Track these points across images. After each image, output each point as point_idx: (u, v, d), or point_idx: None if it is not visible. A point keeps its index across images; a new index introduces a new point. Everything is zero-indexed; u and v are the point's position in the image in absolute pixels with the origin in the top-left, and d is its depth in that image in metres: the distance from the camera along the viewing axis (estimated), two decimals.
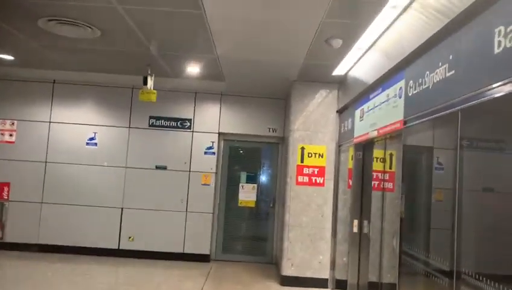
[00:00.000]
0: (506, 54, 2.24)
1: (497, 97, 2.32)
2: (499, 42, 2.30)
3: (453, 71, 2.82)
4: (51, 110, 7.57)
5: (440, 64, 3.01)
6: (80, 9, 4.23)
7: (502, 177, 2.50)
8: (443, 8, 2.92)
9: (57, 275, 6.23)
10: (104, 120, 7.60)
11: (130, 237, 7.42)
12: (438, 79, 3.03)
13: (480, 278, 2.42)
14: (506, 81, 2.22)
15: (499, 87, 2.28)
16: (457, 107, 2.71)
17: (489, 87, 2.37)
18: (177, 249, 7.44)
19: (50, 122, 7.55)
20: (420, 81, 3.35)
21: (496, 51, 2.33)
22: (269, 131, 7.76)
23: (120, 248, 7.40)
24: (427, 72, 3.22)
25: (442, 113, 2.92)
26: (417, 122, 3.39)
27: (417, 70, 3.45)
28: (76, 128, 7.55)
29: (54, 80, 7.54)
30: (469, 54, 2.64)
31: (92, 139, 7.55)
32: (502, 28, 2.29)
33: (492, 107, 2.46)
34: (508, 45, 2.22)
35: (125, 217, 7.47)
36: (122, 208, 7.48)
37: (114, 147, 7.57)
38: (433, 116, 3.07)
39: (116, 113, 7.60)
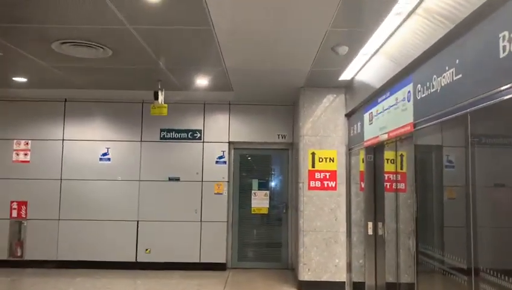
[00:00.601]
0: (511, 59, 2.32)
1: (505, 99, 2.40)
2: (504, 47, 2.39)
3: (460, 75, 2.91)
4: (64, 128, 7.73)
5: (447, 68, 3.10)
6: (93, 31, 4.37)
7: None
8: (447, 14, 3.01)
9: (77, 288, 6.34)
10: (116, 135, 7.75)
11: (146, 249, 7.53)
12: (446, 83, 3.12)
13: (499, 275, 2.49)
14: None
15: (506, 90, 2.36)
16: (467, 110, 2.79)
17: (496, 90, 2.45)
18: (194, 258, 7.54)
19: (63, 140, 7.71)
20: (428, 85, 3.44)
21: (502, 55, 2.41)
22: (278, 138, 7.86)
23: (138, 260, 7.52)
24: (435, 76, 3.31)
25: (452, 115, 3.00)
26: (427, 124, 3.47)
27: (425, 75, 3.54)
28: (89, 145, 7.71)
29: (66, 99, 7.71)
30: (475, 59, 2.73)
31: (105, 154, 7.69)
32: (506, 33, 2.38)
33: (501, 109, 2.54)
34: None
35: (141, 229, 7.59)
36: (137, 221, 7.60)
37: (127, 161, 7.71)
38: (443, 118, 3.16)
39: (127, 128, 7.75)
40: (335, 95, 6.60)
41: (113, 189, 7.64)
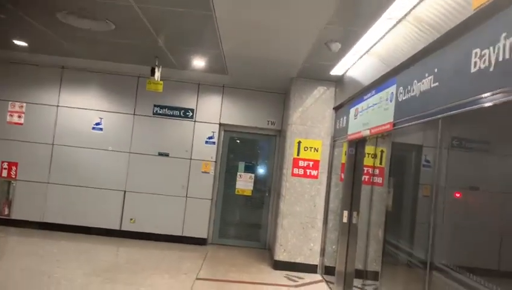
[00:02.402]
0: (480, 74, 2.60)
1: (472, 109, 2.68)
2: (475, 62, 2.67)
3: (437, 83, 3.19)
4: (59, 95, 7.87)
5: (427, 75, 3.38)
6: (99, 5, 4.54)
7: (474, 174, 2.89)
8: (434, 24, 3.26)
9: (62, 251, 6.61)
10: (110, 106, 7.92)
11: (131, 219, 7.80)
12: (424, 88, 3.39)
13: (452, 269, 2.82)
14: (478, 97, 2.58)
15: (474, 102, 2.65)
16: (439, 116, 3.08)
17: (466, 101, 2.73)
18: (176, 232, 7.84)
19: (58, 106, 7.87)
20: (409, 89, 3.72)
21: (473, 70, 2.69)
22: (268, 124, 8.12)
23: (122, 229, 7.79)
24: (415, 81, 3.58)
25: (426, 119, 3.29)
26: (404, 125, 3.76)
27: (407, 78, 3.81)
28: (83, 113, 7.88)
29: (63, 66, 7.83)
30: (451, 70, 3.00)
31: (98, 124, 7.88)
32: (478, 50, 2.65)
33: (469, 118, 2.83)
34: (482, 66, 2.58)
35: (128, 199, 7.84)
36: (125, 191, 7.85)
37: (119, 132, 7.91)
38: (418, 121, 3.45)
39: (122, 100, 7.93)
40: (325, 88, 6.85)
41: (103, 158, 7.86)
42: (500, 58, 2.40)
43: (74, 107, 7.89)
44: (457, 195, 3.20)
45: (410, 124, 3.64)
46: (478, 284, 2.53)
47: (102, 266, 5.95)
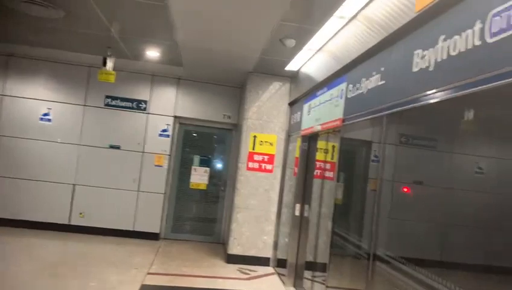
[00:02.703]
0: (421, 73, 2.74)
1: (414, 107, 2.82)
2: (417, 63, 2.80)
3: (384, 81, 3.31)
4: (5, 83, 7.46)
5: (374, 73, 3.50)
6: None
7: (418, 169, 3.04)
8: (382, 23, 3.38)
9: (7, 247, 6.30)
10: (59, 97, 7.61)
11: (80, 213, 7.56)
12: (372, 86, 3.52)
13: (394, 259, 2.95)
14: (420, 95, 2.72)
15: (416, 100, 2.78)
16: (384, 113, 3.21)
17: (407, 99, 2.87)
18: (128, 226, 7.68)
19: (3, 95, 7.46)
20: (357, 86, 3.84)
21: (414, 69, 2.82)
22: (224, 117, 8.11)
23: (71, 223, 7.53)
24: (363, 79, 3.71)
25: (372, 116, 3.42)
26: (353, 121, 3.89)
27: (356, 76, 3.94)
28: (30, 103, 7.53)
29: (11, 54, 7.41)
30: (396, 69, 3.13)
31: (46, 114, 7.55)
32: (419, 51, 2.78)
33: (411, 115, 2.97)
34: (423, 66, 2.71)
35: (77, 193, 7.59)
36: (74, 185, 7.59)
37: (68, 124, 7.62)
38: (365, 118, 3.57)
39: (71, 91, 7.63)
40: (281, 84, 6.93)
41: (51, 150, 7.55)
42: (439, 59, 2.54)
43: (21, 97, 7.50)
44: (401, 189, 3.35)
45: (358, 120, 3.77)
46: (419, 274, 2.67)
47: (49, 262, 5.74)
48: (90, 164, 7.63)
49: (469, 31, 2.26)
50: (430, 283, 2.47)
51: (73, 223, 7.55)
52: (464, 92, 2.27)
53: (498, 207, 2.26)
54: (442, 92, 2.47)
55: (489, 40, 2.10)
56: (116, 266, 5.86)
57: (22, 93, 7.51)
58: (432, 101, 2.58)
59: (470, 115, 2.37)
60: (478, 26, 2.19)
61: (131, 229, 7.69)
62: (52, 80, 7.60)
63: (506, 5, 1.99)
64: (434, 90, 2.55)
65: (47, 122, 7.56)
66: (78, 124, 7.64)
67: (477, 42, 2.19)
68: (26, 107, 7.51)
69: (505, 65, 1.96)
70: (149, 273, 5.69)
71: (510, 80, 1.92)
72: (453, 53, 2.40)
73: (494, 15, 2.07)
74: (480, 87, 2.13)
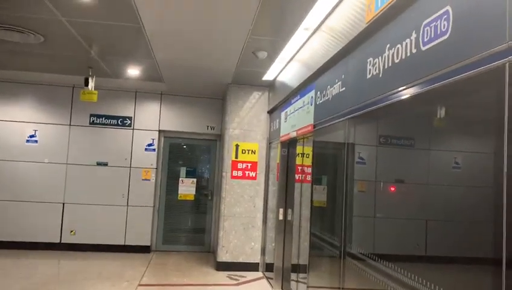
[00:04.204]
0: (373, 80, 2.97)
1: (369, 110, 3.05)
2: (370, 70, 3.03)
3: (344, 88, 3.55)
4: None
5: (336, 80, 3.74)
6: (26, 19, 4.54)
7: (373, 168, 3.26)
8: (343, 32, 3.62)
9: None
10: (44, 118, 7.77)
11: (71, 231, 7.68)
12: (335, 93, 3.75)
13: (362, 256, 3.16)
14: (374, 100, 2.94)
15: (371, 103, 3.01)
16: (345, 117, 3.43)
17: (364, 103, 3.10)
18: (119, 241, 7.82)
19: None
20: (324, 93, 4.08)
21: (368, 76, 3.06)
22: (207, 129, 8.31)
23: (62, 241, 7.65)
24: (329, 86, 3.94)
25: (337, 121, 3.64)
26: (322, 126, 4.11)
27: (323, 83, 4.17)
28: (16, 126, 7.68)
29: None
30: (353, 76, 3.37)
31: (32, 136, 7.70)
32: (371, 58, 3.02)
33: (368, 118, 3.20)
34: (374, 73, 2.95)
35: (67, 212, 7.72)
36: (63, 203, 7.72)
37: (55, 144, 7.77)
38: (331, 123, 3.80)
39: (56, 111, 7.80)
40: (260, 93, 7.17)
41: (39, 171, 7.68)
42: (386, 66, 2.77)
43: (6, 120, 7.66)
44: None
45: (325, 125, 3.99)
46: (388, 269, 2.87)
47: (41, 280, 5.86)
48: (78, 182, 7.77)
49: (407, 40, 2.50)
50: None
51: (64, 241, 7.67)
52: (406, 96, 2.50)
53: (475, 200, 2.44)
54: (389, 97, 2.70)
55: (422, 48, 2.33)
56: (108, 280, 6.00)
57: (7, 116, 7.67)
58: (381, 105, 2.81)
59: (428, 112, 2.57)
60: (414, 35, 2.43)
61: (122, 243, 7.82)
62: (37, 101, 7.77)
63: (433, 17, 2.23)
64: (383, 95, 2.78)
65: (33, 144, 7.71)
66: (64, 144, 7.80)
67: (414, 50, 2.42)
68: (12, 129, 7.66)
69: (436, 70, 2.18)
70: (140, 285, 5.84)
71: (441, 82, 2.15)
72: (396, 60, 2.64)
73: (425, 25, 2.31)
74: (419, 90, 2.36)
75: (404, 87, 2.51)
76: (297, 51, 5.01)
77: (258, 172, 7.09)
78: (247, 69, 6.10)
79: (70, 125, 7.84)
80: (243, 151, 7.11)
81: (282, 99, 5.99)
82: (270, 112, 7.11)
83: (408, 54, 2.49)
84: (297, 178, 5.80)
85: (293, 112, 5.42)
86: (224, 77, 6.74)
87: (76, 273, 6.32)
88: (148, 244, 7.95)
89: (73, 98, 7.82)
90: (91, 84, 6.34)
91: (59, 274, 6.61)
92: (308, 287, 4.39)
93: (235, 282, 6.27)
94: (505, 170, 1.65)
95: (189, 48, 5.30)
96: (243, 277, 6.56)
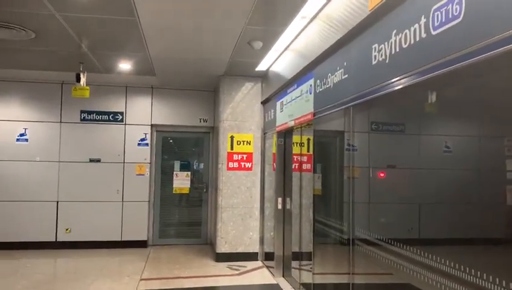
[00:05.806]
0: (380, 66, 3.01)
1: (375, 97, 3.09)
2: (375, 56, 3.07)
3: (347, 75, 3.58)
4: None
5: (338, 68, 3.77)
6: (17, 14, 4.43)
7: (376, 155, 3.32)
8: (342, 21, 3.63)
9: None
10: (34, 116, 7.64)
11: (67, 229, 7.60)
12: (337, 80, 3.78)
13: (371, 242, 3.22)
14: (380, 86, 2.98)
15: (376, 90, 3.05)
16: (350, 104, 3.47)
17: (369, 90, 3.13)
18: (115, 237, 7.77)
19: None
20: (324, 81, 4.10)
21: (373, 62, 3.09)
22: (200, 121, 8.28)
23: (57, 240, 7.57)
24: (329, 74, 3.97)
25: (340, 108, 3.68)
26: (323, 114, 4.15)
27: (323, 72, 4.20)
28: (5, 125, 7.53)
29: None
30: (356, 62, 3.40)
31: (22, 135, 7.56)
32: (376, 45, 3.05)
33: (373, 105, 3.24)
34: (380, 59, 2.98)
35: (61, 210, 7.63)
36: (57, 201, 7.62)
37: (46, 142, 7.65)
38: (333, 110, 3.84)
39: (46, 109, 7.67)
40: (252, 84, 7.16)
41: (31, 170, 7.56)
42: (393, 52, 2.81)
43: None
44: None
45: (327, 113, 4.03)
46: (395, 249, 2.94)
47: (40, 279, 5.80)
48: (72, 179, 7.68)
49: (416, 25, 2.54)
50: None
51: (60, 239, 7.59)
52: (417, 79, 2.54)
53: (466, 182, 2.52)
54: (397, 82, 2.74)
55: (433, 32, 2.37)
56: (109, 276, 5.97)
57: None
58: (390, 90, 2.85)
59: (430, 98, 2.63)
60: (423, 20, 2.46)
61: (119, 239, 7.78)
62: (26, 99, 7.62)
63: (444, 1, 2.27)
64: (389, 81, 2.82)
65: (24, 142, 7.58)
66: (55, 141, 7.68)
67: (424, 35, 2.46)
68: (1, 129, 7.50)
69: (448, 54, 2.23)
70: (142, 279, 5.83)
71: (453, 66, 2.19)
72: (404, 45, 2.68)
73: (435, 10, 2.34)
74: (429, 75, 2.40)
75: (413, 72, 2.55)
76: (293, 40, 5.02)
77: (253, 163, 7.11)
78: (240, 60, 6.09)
79: (60, 122, 7.72)
80: (238, 143, 7.11)
81: (277, 89, 6.01)
82: (263, 103, 7.12)
83: (417, 39, 2.53)
84: (295, 167, 5.84)
85: (289, 102, 5.44)
86: (217, 69, 6.71)
87: (75, 271, 6.28)
88: (145, 239, 7.93)
89: (62, 95, 7.70)
90: (83, 80, 6.23)
91: (59, 273, 6.55)
92: (314, 274, 4.46)
93: (236, 272, 6.31)
94: None
95: (184, 40, 5.26)
96: (243, 266, 6.60)
